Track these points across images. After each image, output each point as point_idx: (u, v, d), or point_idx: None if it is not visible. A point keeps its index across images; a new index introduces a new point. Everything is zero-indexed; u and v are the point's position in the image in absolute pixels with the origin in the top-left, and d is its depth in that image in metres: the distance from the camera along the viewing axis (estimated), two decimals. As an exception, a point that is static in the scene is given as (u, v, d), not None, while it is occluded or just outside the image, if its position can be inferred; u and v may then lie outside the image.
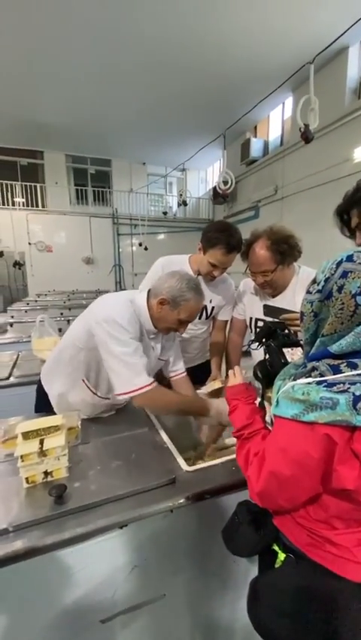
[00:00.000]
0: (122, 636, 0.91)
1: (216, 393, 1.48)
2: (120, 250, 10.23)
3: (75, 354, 1.25)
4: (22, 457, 0.90)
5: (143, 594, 0.90)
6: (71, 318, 3.54)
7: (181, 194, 6.60)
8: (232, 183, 4.84)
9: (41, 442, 0.95)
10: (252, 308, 1.63)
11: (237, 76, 5.93)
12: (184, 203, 6.41)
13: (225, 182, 4.88)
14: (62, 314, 4.18)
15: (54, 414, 1.31)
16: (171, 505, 0.87)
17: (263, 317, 1.54)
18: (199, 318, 1.72)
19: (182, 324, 1.24)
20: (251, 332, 1.65)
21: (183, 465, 1.00)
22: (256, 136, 8.30)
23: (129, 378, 1.10)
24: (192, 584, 1.00)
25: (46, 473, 0.94)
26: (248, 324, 1.69)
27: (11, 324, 3.45)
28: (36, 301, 5.80)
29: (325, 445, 0.57)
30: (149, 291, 1.25)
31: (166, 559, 0.92)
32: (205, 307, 1.70)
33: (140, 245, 9.36)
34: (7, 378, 1.95)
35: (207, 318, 1.75)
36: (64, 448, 0.95)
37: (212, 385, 1.54)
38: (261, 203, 7.88)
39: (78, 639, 0.85)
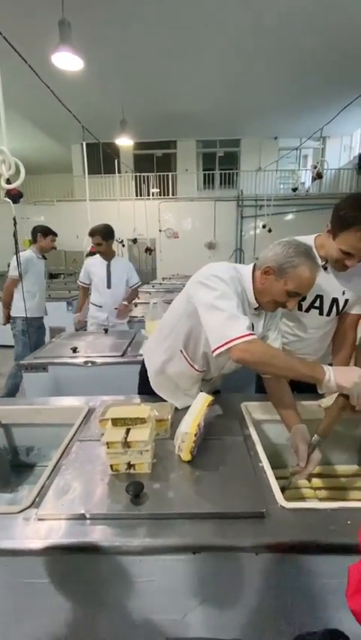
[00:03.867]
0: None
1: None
2: (243, 234, 9.94)
3: (175, 323, 1.24)
4: (107, 443, 0.90)
5: (215, 630, 0.78)
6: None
7: (316, 166, 5.77)
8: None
9: (127, 432, 0.92)
10: None
11: None
12: (318, 176, 5.57)
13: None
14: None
15: (155, 396, 1.32)
16: (255, 544, 0.71)
17: None
18: (327, 315, 1.39)
19: (291, 297, 1.06)
20: None
21: (280, 498, 0.81)
22: None
23: (228, 327, 0.96)
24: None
25: (129, 465, 0.92)
26: None
27: (136, 305, 3.77)
28: (160, 284, 6.25)
29: None
30: (254, 264, 1.13)
31: (245, 604, 0.76)
32: (336, 301, 1.37)
33: (263, 227, 8.83)
34: (122, 355, 2.12)
35: (337, 313, 1.41)
36: (147, 443, 0.90)
37: (333, 398, 1.11)
38: None
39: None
